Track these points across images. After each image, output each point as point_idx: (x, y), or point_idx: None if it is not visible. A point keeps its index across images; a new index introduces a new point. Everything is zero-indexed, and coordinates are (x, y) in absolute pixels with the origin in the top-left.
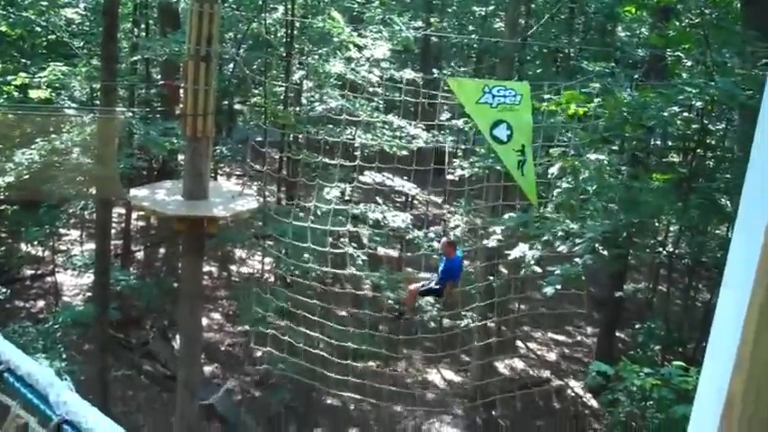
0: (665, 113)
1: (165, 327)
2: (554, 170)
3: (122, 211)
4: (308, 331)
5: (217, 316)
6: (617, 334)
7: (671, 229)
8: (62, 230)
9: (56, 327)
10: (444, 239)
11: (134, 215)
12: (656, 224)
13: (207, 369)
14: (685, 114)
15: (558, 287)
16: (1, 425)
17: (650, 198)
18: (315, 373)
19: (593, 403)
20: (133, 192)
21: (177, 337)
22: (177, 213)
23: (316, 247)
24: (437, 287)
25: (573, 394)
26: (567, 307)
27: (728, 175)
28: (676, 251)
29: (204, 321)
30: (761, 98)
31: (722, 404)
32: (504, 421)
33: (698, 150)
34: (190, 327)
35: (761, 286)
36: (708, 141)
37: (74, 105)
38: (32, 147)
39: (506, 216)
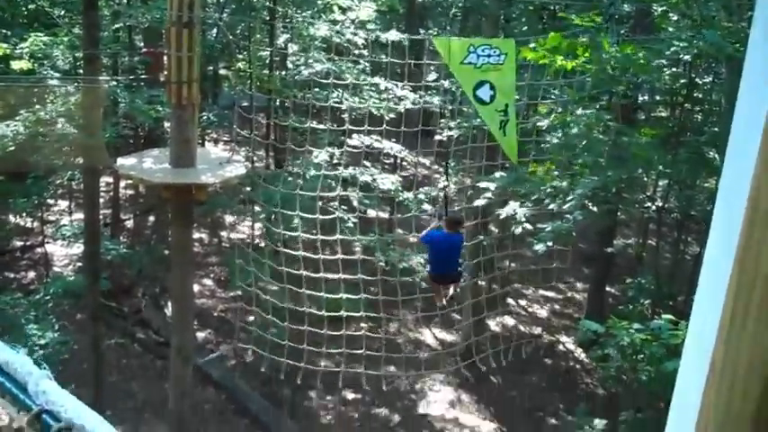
0: (653, 65)
1: (157, 294)
2: (543, 124)
3: (110, 180)
4: (301, 292)
5: (209, 282)
6: (607, 289)
7: (660, 183)
8: (50, 201)
9: (47, 297)
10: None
11: (122, 184)
12: (645, 179)
13: (200, 335)
14: (673, 69)
15: (550, 244)
16: None
17: (639, 153)
18: (306, 337)
19: (585, 358)
20: (120, 160)
21: (169, 304)
22: (165, 181)
23: (304, 215)
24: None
25: (564, 350)
26: (554, 263)
27: (716, 129)
28: (665, 205)
29: (196, 288)
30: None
31: (708, 362)
32: (496, 378)
33: (686, 104)
34: (181, 294)
35: (744, 242)
36: (695, 95)
37: (57, 75)
38: (16, 118)
39: (497, 174)
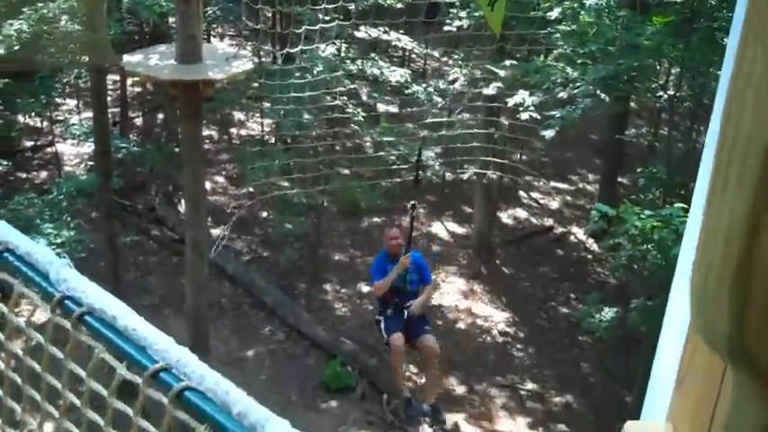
0: None
1: (170, 192)
2: (554, 14)
3: (117, 78)
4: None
5: (220, 179)
6: (619, 180)
7: (672, 71)
8: (58, 100)
9: (60, 197)
10: (393, 229)
11: (129, 82)
12: (657, 67)
13: (214, 232)
14: None
15: (557, 129)
16: (5, 303)
17: (651, 40)
18: (320, 229)
19: (596, 248)
20: (126, 57)
21: (183, 201)
22: (171, 78)
23: (311, 108)
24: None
25: (575, 240)
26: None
27: (730, 14)
28: (678, 93)
29: (208, 185)
30: None
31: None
32: (508, 269)
33: None
34: (194, 191)
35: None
36: None
37: None
38: (20, 17)
39: (507, 63)
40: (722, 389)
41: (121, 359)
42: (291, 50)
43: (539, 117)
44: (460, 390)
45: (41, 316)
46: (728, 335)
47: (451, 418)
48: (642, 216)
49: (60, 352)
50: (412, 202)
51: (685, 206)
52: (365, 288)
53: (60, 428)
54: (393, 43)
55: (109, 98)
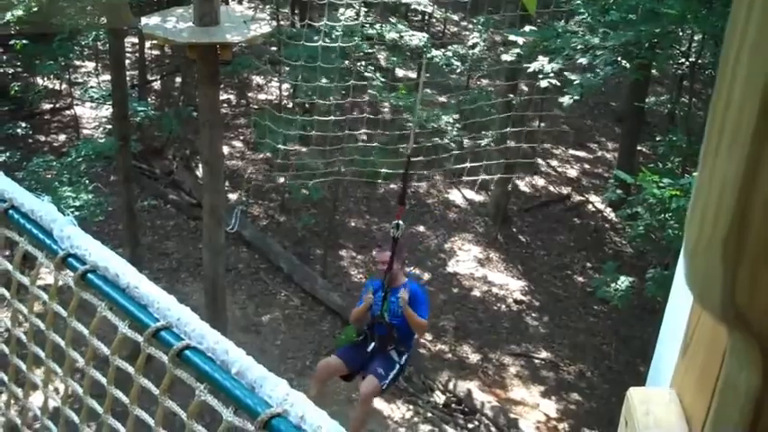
0: None
1: (188, 156)
2: None
3: (135, 40)
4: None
5: (238, 144)
6: (638, 148)
7: (694, 38)
8: (77, 63)
9: (79, 160)
10: (384, 252)
11: (147, 44)
12: (680, 33)
13: (232, 196)
14: None
15: (577, 97)
16: (10, 261)
17: (672, 7)
18: (337, 196)
19: (613, 217)
20: (144, 20)
21: (200, 166)
22: (189, 41)
23: (329, 67)
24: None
25: (593, 209)
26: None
27: None
28: (699, 61)
29: (226, 150)
30: None
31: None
32: (524, 237)
33: None
34: (211, 155)
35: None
36: None
37: None
38: None
39: (527, 29)
40: (725, 357)
41: (124, 318)
42: (310, 14)
43: (558, 84)
44: (474, 358)
45: (47, 275)
46: (721, 293)
47: (465, 385)
48: (661, 185)
49: (64, 310)
50: (395, 222)
51: None
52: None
53: (65, 386)
54: (412, 6)
55: (127, 61)
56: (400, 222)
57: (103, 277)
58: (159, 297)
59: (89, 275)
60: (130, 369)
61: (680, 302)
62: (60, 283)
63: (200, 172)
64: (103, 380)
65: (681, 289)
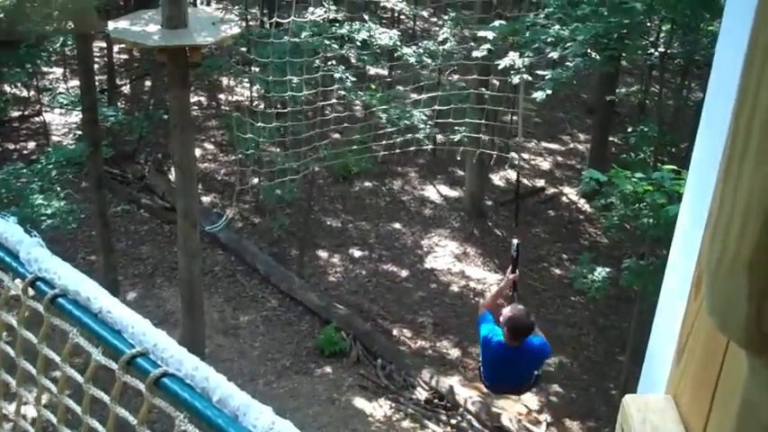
0: None
1: (160, 160)
2: None
3: (103, 45)
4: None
5: (210, 146)
6: (610, 139)
7: (663, 28)
8: (45, 69)
9: (49, 167)
10: (510, 310)
11: (115, 48)
12: (648, 24)
13: (205, 199)
14: None
15: (549, 92)
16: None
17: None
18: (311, 196)
19: (587, 208)
20: (111, 24)
21: (173, 169)
22: (158, 44)
23: (294, 78)
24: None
25: (567, 201)
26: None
27: None
28: (669, 51)
29: (198, 152)
30: None
31: (707, 203)
32: (500, 231)
33: None
34: (183, 158)
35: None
36: None
37: None
38: None
39: (496, 23)
40: (724, 366)
41: (97, 344)
42: (279, 14)
43: (530, 79)
44: (455, 353)
45: (14, 301)
46: (746, 321)
47: (446, 381)
48: (634, 179)
49: (34, 336)
50: (516, 241)
51: (676, 168)
52: (357, 253)
53: (38, 415)
54: (382, 4)
55: (96, 66)
56: (518, 242)
57: (74, 301)
58: (134, 321)
59: (59, 300)
60: (106, 398)
61: (671, 307)
62: (29, 309)
63: (172, 175)
64: (78, 408)
65: (671, 293)
